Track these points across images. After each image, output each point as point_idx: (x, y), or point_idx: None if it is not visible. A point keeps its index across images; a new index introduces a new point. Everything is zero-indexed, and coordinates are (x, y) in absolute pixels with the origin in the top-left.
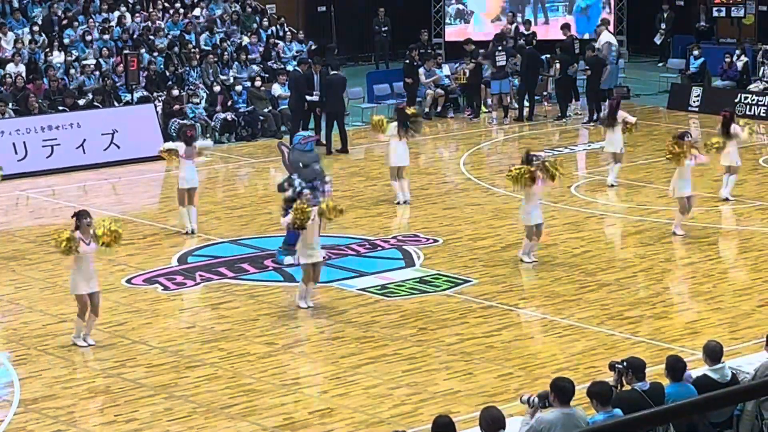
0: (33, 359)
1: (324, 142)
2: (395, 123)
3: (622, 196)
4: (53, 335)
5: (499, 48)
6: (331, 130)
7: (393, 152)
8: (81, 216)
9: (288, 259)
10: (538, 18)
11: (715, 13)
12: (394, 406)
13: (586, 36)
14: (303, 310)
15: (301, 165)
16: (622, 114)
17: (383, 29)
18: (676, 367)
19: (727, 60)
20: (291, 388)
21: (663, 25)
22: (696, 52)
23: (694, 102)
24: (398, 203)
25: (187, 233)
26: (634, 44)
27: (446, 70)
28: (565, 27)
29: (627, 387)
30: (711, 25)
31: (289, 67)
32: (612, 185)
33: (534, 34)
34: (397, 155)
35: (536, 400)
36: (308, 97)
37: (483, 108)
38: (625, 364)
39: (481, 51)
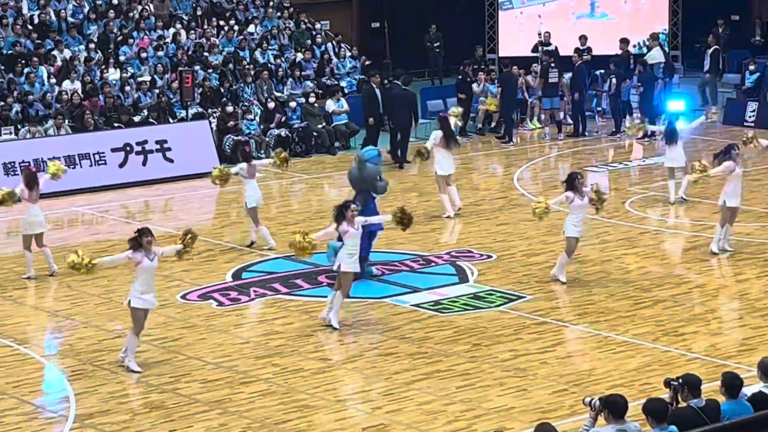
0: (88, 374)
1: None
2: (439, 132)
3: (677, 211)
4: (109, 350)
5: (552, 64)
6: (396, 142)
7: (438, 162)
8: (142, 234)
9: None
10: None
11: None
12: (448, 423)
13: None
14: (347, 324)
15: (378, 178)
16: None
17: (435, 44)
18: (732, 384)
19: None
20: (345, 404)
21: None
22: (752, 67)
23: (749, 117)
24: (448, 217)
25: (271, 248)
26: (689, 59)
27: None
28: (623, 41)
29: (683, 404)
30: (767, 40)
31: (343, 83)
32: (683, 199)
33: (589, 49)
34: (443, 165)
35: (598, 403)
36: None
37: (536, 124)
38: (680, 380)
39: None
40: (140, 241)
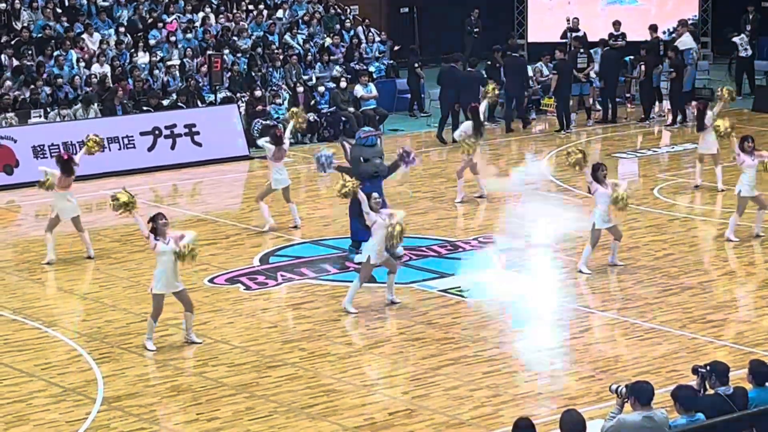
0: (116, 357)
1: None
2: (469, 123)
3: (705, 198)
4: (136, 334)
5: (581, 50)
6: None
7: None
8: (156, 219)
9: (359, 257)
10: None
11: None
12: (475, 408)
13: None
14: (387, 308)
15: (361, 159)
16: (710, 115)
17: (474, 30)
18: (759, 371)
19: None
20: (371, 388)
21: (748, 27)
22: None
23: None
24: (460, 202)
25: (272, 229)
26: (719, 46)
27: (529, 71)
28: (652, 28)
29: (710, 391)
30: None
31: (372, 68)
32: (696, 185)
33: (624, 35)
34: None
35: (624, 390)
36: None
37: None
38: (708, 368)
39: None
40: (156, 225)
